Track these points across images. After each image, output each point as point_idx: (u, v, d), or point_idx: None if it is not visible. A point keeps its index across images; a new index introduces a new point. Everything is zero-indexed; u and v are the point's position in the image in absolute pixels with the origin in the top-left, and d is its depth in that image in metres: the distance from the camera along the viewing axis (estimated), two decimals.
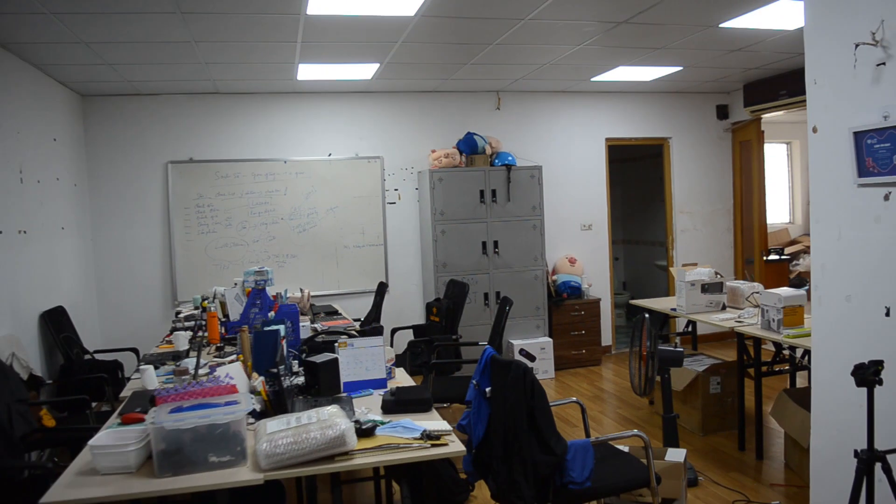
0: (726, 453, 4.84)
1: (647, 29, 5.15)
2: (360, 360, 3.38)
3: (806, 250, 9.28)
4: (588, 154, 7.90)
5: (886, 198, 2.50)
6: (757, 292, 4.90)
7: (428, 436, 2.59)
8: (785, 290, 4.34)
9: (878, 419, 2.44)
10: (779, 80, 6.94)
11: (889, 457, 2.23)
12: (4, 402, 3.55)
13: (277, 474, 2.41)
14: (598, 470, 3.12)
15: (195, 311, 5.52)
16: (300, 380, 3.29)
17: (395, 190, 7.38)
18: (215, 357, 4.10)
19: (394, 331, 5.97)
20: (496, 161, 7.11)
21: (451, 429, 2.69)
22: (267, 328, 3.48)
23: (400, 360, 4.48)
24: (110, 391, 4.88)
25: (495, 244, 7.01)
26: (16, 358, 4.49)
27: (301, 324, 4.19)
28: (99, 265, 6.70)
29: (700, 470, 4.53)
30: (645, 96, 7.98)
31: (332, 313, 5.77)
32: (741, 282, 5.42)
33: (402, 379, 3.60)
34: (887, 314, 2.51)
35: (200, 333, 4.71)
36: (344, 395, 3.21)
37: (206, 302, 5.32)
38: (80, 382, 4.97)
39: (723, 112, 8.17)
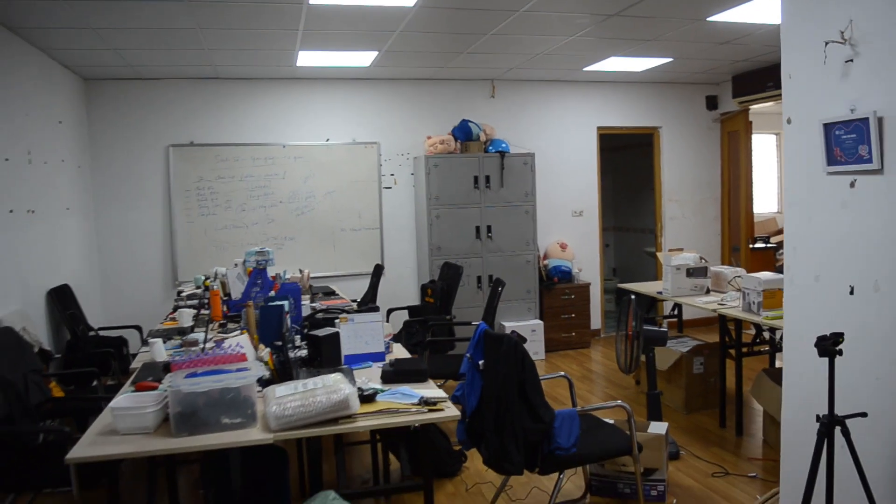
0: (708, 430, 5.06)
1: (638, 21, 5.32)
2: (359, 334, 3.56)
3: None
4: (580, 142, 8.09)
5: (852, 185, 2.69)
6: (739, 276, 5.11)
7: (425, 402, 2.78)
8: (765, 275, 4.55)
9: (841, 387, 2.65)
10: (766, 73, 7.13)
11: (849, 421, 2.44)
12: (21, 373, 3.73)
13: (286, 435, 2.60)
14: (583, 439, 3.32)
15: (197, 290, 5.70)
16: (303, 353, 3.48)
17: (392, 175, 7.56)
18: (219, 332, 4.28)
19: (389, 311, 6.16)
20: (490, 148, 7.29)
21: (447, 396, 2.88)
22: (271, 303, 3.66)
23: (396, 340, 4.66)
24: (116, 365, 5.07)
25: (488, 229, 7.20)
26: (26, 332, 4.65)
27: (301, 302, 4.38)
28: (102, 245, 6.86)
29: (682, 445, 4.74)
30: (636, 86, 8.17)
31: (330, 294, 5.96)
32: (724, 267, 5.63)
33: (400, 353, 3.79)
34: (851, 292, 2.71)
35: (204, 311, 4.89)
36: (345, 367, 3.39)
37: (208, 281, 5.49)
38: (87, 357, 5.14)
39: (712, 103, 8.36)
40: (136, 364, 3.73)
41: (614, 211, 10.42)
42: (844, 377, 2.67)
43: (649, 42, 6.04)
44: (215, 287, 4.99)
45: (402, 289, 7.54)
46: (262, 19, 4.96)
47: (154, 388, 2.91)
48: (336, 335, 3.44)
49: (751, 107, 7.86)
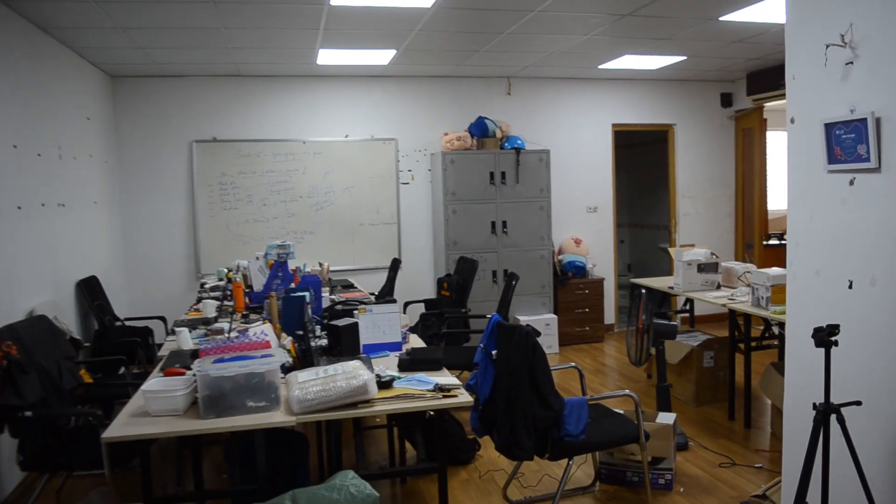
0: (717, 422, 5.17)
1: (651, 21, 5.42)
2: (378, 324, 3.71)
3: None
4: (595, 139, 8.19)
5: (851, 183, 2.79)
6: (748, 272, 5.20)
7: (440, 388, 2.92)
8: (773, 270, 4.64)
9: (840, 378, 2.76)
10: (781, 70, 7.05)
11: (844, 409, 2.55)
12: (55, 359, 3.91)
13: (307, 417, 2.75)
14: (592, 427, 3.45)
15: (220, 283, 5.88)
16: (323, 342, 3.63)
17: (409, 171, 7.70)
18: (242, 323, 4.44)
19: (406, 304, 6.30)
20: (506, 144, 7.41)
21: (460, 384, 3.02)
22: (293, 294, 3.81)
23: (412, 332, 4.81)
24: (142, 354, 5.26)
25: (504, 224, 7.33)
26: (57, 321, 4.84)
27: (321, 294, 4.53)
28: (127, 238, 7.06)
29: (691, 436, 4.85)
30: (651, 84, 8.25)
31: (349, 286, 6.11)
32: (735, 262, 5.72)
33: (416, 343, 3.94)
34: (850, 286, 2.82)
35: (227, 302, 5.06)
36: (363, 356, 3.54)
37: (230, 273, 5.66)
38: (114, 346, 5.33)
39: (727, 100, 8.43)
40: (163, 352, 3.90)
41: (630, 207, 10.50)
42: (844, 368, 2.78)
43: (663, 41, 6.13)
44: (238, 279, 5.16)
45: (419, 282, 7.68)
46: (284, 19, 5.12)
47: (181, 374, 3.07)
48: (355, 325, 3.58)
49: (765, 104, 7.92)
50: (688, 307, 6.42)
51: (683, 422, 5.09)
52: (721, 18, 5.35)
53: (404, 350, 3.54)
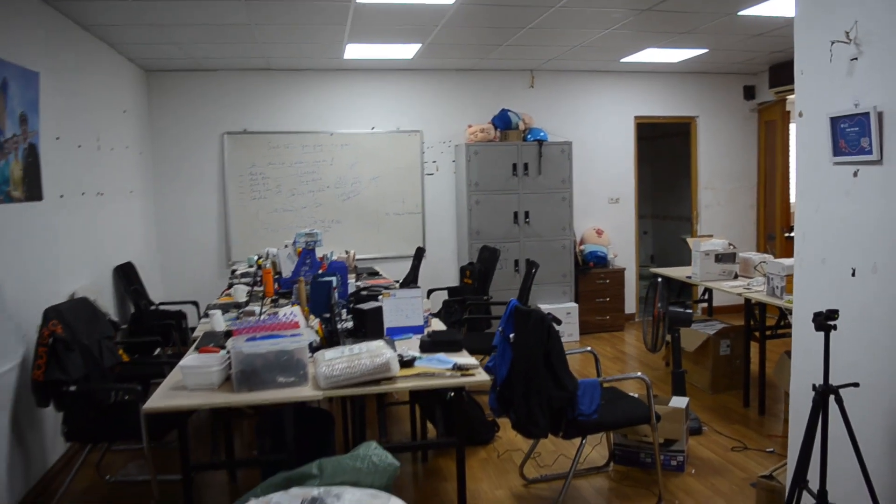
0: (732, 409, 5.28)
1: (671, 16, 5.52)
2: (401, 308, 3.88)
3: None
4: (617, 131, 8.29)
5: (855, 175, 2.91)
6: (764, 262, 5.30)
7: (458, 367, 3.09)
8: (788, 260, 4.73)
9: (843, 362, 2.88)
10: None
11: (842, 391, 2.67)
12: (96, 338, 4.14)
13: (333, 393, 2.94)
14: (605, 408, 3.60)
15: (250, 269, 6.10)
16: (349, 325, 3.81)
17: (434, 162, 7.87)
18: (272, 307, 4.65)
19: (430, 292, 6.46)
20: (529, 136, 7.54)
21: (478, 363, 3.19)
22: (321, 279, 4.00)
23: (434, 317, 4.98)
24: (176, 336, 5.49)
25: (526, 214, 7.47)
26: (97, 304, 5.09)
27: (347, 280, 4.72)
28: (161, 226, 7.31)
29: (706, 422, 4.98)
30: (673, 76, 8.32)
31: (374, 274, 6.30)
32: (752, 252, 5.82)
33: (438, 327, 4.11)
34: (853, 274, 2.93)
35: (257, 287, 5.27)
36: (387, 338, 3.71)
37: (260, 260, 5.88)
38: (150, 329, 5.57)
39: (749, 92, 8.47)
40: (197, 333, 4.11)
41: (653, 199, 10.57)
42: (846, 352, 2.90)
43: (684, 34, 6.21)
44: (267, 266, 5.36)
45: (443, 271, 7.86)
46: (313, 16, 5.29)
47: (215, 353, 3.26)
48: (379, 309, 3.76)
49: (788, 97, 7.96)
50: (706, 297, 6.52)
51: (699, 408, 5.22)
52: (740, 13, 5.43)
53: (426, 333, 3.71)
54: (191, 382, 3.00)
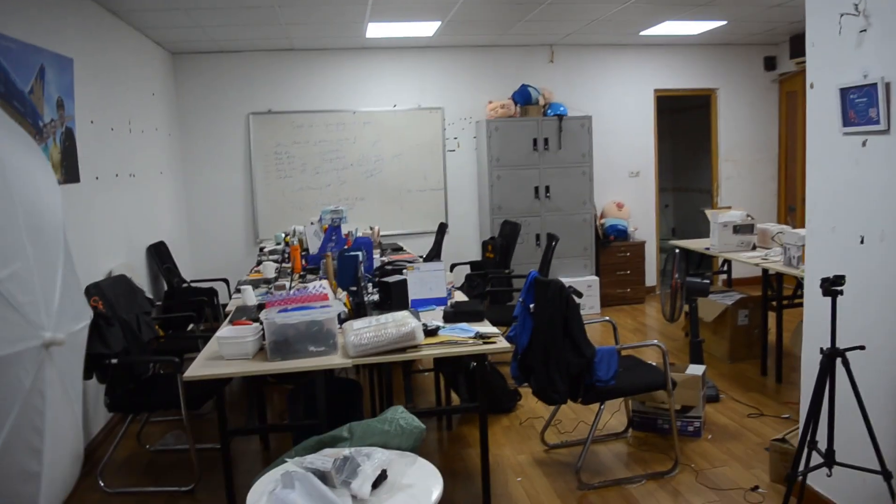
0: (749, 377, 5.39)
1: None
2: (425, 281, 4.03)
3: None
4: (637, 104, 8.33)
5: (864, 144, 2.99)
6: (781, 232, 5.36)
7: (480, 336, 3.24)
8: (804, 230, 4.80)
9: (851, 327, 2.98)
10: None
11: (849, 354, 2.78)
12: (134, 313, 4.34)
13: (361, 360, 3.09)
14: (622, 375, 3.73)
15: (278, 246, 6.28)
16: (375, 297, 3.97)
17: (455, 138, 7.97)
18: (300, 283, 4.81)
19: (453, 266, 6.61)
20: (549, 111, 7.62)
21: (499, 332, 3.33)
22: (348, 254, 4.15)
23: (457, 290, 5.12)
24: (209, 312, 5.70)
25: (547, 189, 7.57)
26: (133, 281, 5.30)
27: (372, 255, 4.87)
28: (190, 206, 7.52)
29: (723, 390, 5.09)
30: (693, 48, 8.32)
31: (398, 250, 6.45)
32: (770, 223, 5.88)
33: (461, 299, 4.24)
34: (861, 242, 3.02)
35: (285, 263, 5.44)
36: (412, 309, 3.86)
37: (288, 237, 6.05)
38: (183, 305, 5.77)
39: (770, 63, 8.45)
40: (230, 307, 4.29)
41: (674, 172, 10.60)
42: (854, 317, 3.00)
43: (702, 6, 6.24)
44: (294, 243, 5.53)
45: (465, 246, 7.99)
46: None
47: (249, 325, 3.43)
48: (404, 282, 3.90)
49: None
50: (725, 268, 6.60)
51: (717, 376, 5.33)
52: None
53: (449, 304, 3.85)
54: (227, 352, 3.17)
